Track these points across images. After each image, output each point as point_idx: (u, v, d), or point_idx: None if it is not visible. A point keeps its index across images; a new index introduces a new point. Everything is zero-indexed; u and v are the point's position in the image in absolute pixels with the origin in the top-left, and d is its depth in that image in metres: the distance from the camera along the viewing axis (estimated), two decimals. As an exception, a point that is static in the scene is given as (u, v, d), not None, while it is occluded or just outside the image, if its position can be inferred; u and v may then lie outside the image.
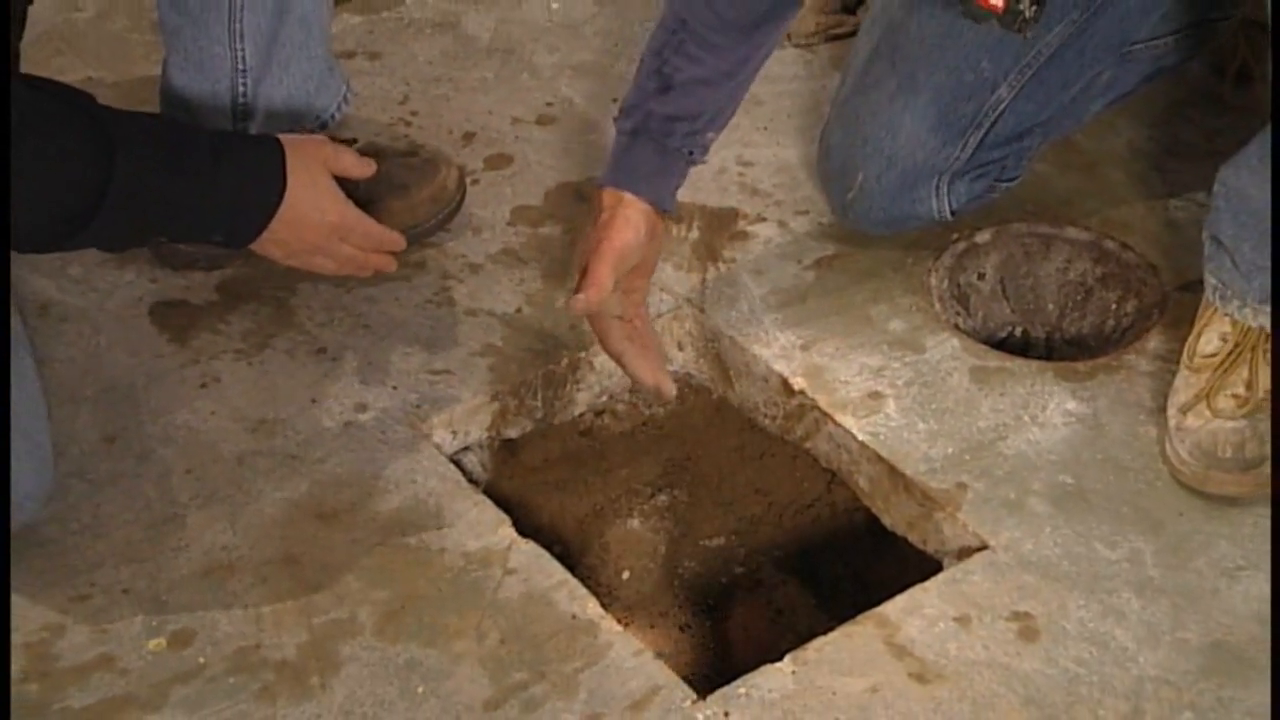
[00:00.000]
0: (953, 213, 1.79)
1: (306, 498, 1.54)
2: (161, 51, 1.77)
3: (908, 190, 1.77)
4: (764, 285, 1.80)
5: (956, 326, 1.77)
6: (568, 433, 1.74)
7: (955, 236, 1.85)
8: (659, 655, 1.43)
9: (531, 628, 1.42)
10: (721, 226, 1.89)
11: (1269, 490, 1.53)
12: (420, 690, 1.37)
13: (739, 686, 1.38)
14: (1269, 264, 1.53)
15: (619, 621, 1.45)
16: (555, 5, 2.32)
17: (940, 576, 1.49)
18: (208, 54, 1.71)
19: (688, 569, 1.69)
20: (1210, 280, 1.61)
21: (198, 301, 1.76)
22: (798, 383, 1.68)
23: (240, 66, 1.71)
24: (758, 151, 2.01)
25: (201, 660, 1.39)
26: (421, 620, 1.43)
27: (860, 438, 1.62)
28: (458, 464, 1.63)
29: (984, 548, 1.51)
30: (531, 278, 1.81)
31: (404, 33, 2.25)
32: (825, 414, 1.65)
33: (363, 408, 1.64)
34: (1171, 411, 1.59)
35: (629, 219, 1.56)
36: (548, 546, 1.52)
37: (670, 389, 1.61)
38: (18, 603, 1.42)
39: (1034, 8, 1.52)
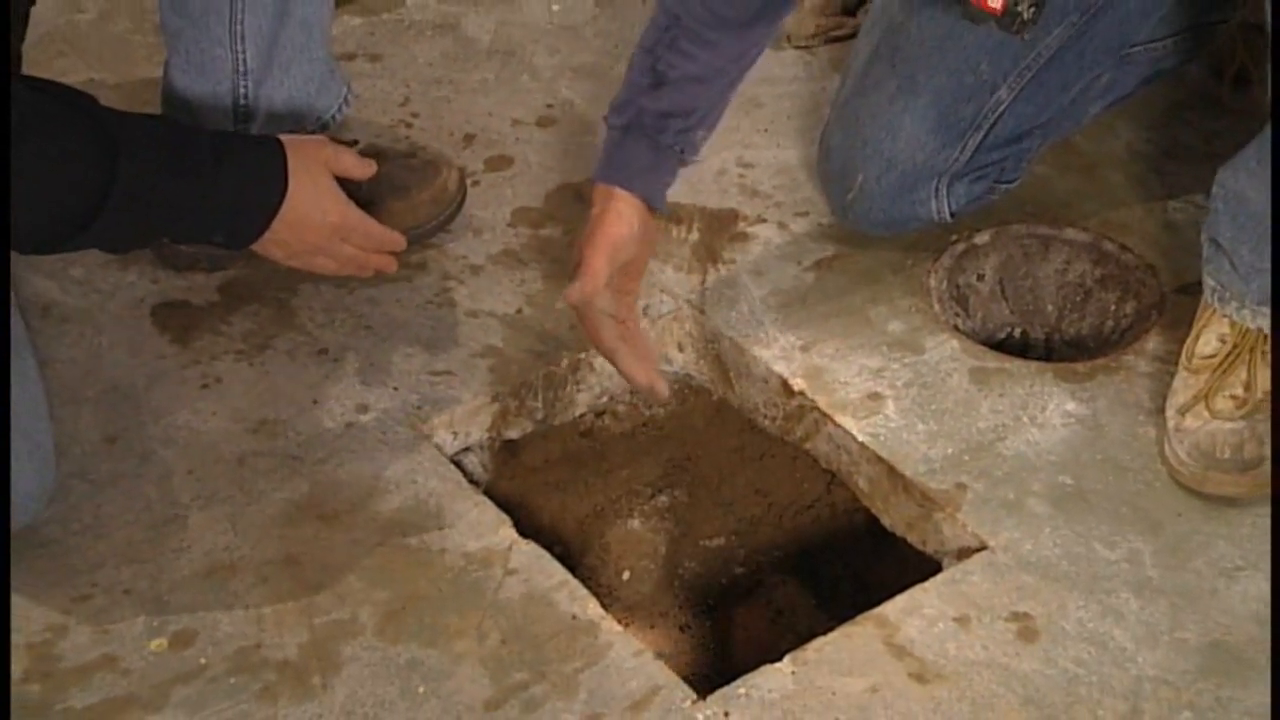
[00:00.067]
0: (952, 214, 1.80)
1: (307, 498, 1.54)
2: (163, 53, 1.77)
3: (907, 192, 1.77)
4: (764, 286, 1.80)
5: (956, 328, 1.77)
6: (568, 433, 1.75)
7: (954, 238, 1.86)
8: (659, 655, 1.43)
9: (532, 628, 1.42)
10: (721, 228, 1.89)
11: (1267, 491, 1.53)
12: (421, 690, 1.37)
13: (739, 686, 1.38)
14: (1267, 266, 1.54)
15: (619, 622, 1.45)
16: (556, 7, 2.32)
17: (940, 577, 1.49)
18: (209, 56, 1.71)
19: (688, 569, 1.69)
20: (1209, 282, 1.61)
21: (199, 302, 1.77)
22: (797, 384, 1.68)
23: (241, 68, 1.71)
24: (758, 153, 2.02)
25: (203, 660, 1.39)
26: (422, 620, 1.43)
27: (860, 438, 1.62)
28: (458, 465, 1.63)
29: (983, 548, 1.51)
30: (532, 279, 1.82)
31: (404, 35, 2.25)
32: (825, 415, 1.65)
33: (364, 408, 1.64)
34: (1170, 412, 1.59)
35: (621, 213, 1.56)
36: (548, 547, 1.52)
37: (664, 389, 1.60)
38: (20, 603, 1.42)
39: (1032, 10, 1.52)
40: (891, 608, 1.45)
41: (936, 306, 1.78)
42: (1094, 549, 1.51)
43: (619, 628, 1.43)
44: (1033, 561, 1.49)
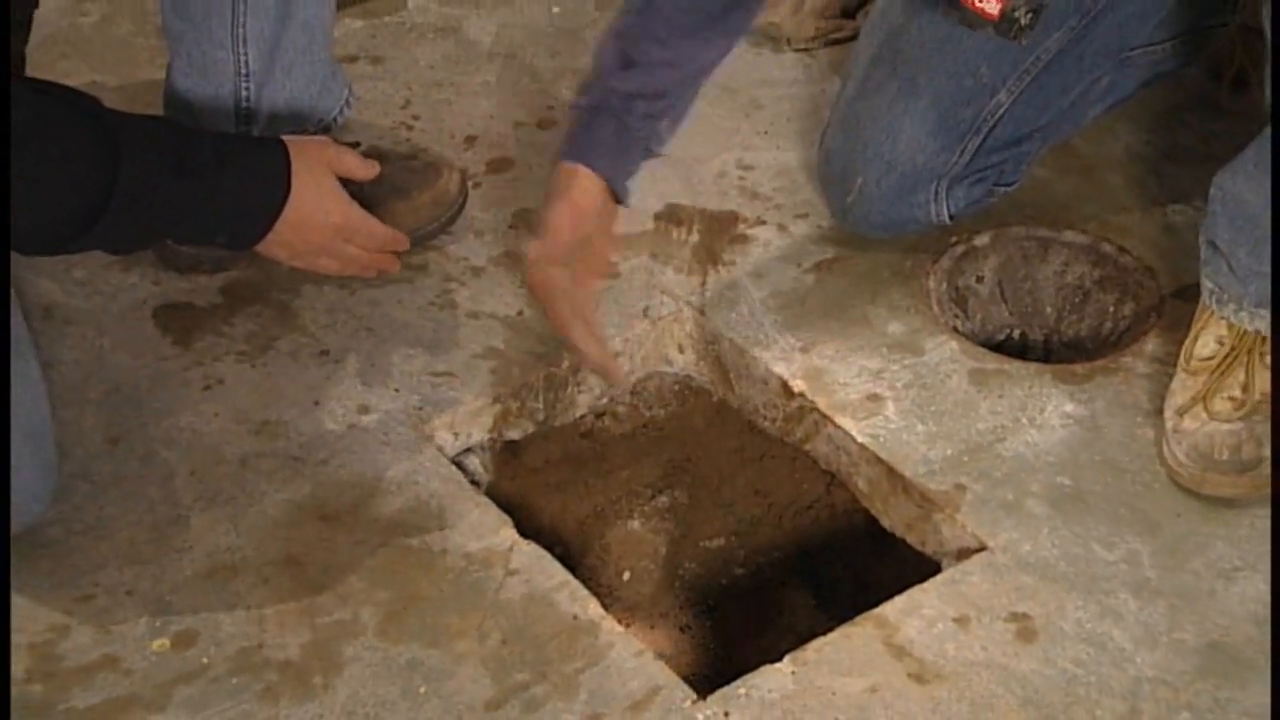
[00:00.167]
0: (951, 217, 1.80)
1: (309, 499, 1.55)
2: (165, 56, 1.77)
3: (907, 194, 1.78)
4: (764, 288, 1.81)
5: (955, 329, 1.78)
6: (569, 434, 1.75)
7: (954, 240, 1.86)
8: (659, 656, 1.43)
9: (533, 628, 1.43)
10: (721, 230, 1.89)
11: (1265, 492, 1.53)
12: (422, 690, 1.38)
13: (739, 687, 1.39)
14: (1265, 268, 1.54)
15: (620, 622, 1.46)
16: (556, 9, 2.32)
17: (939, 577, 1.49)
18: (211, 59, 1.71)
19: (688, 570, 1.69)
20: (1207, 284, 1.61)
21: (201, 304, 1.77)
22: (797, 385, 1.69)
23: (243, 71, 1.72)
24: (758, 155, 2.02)
25: (205, 661, 1.40)
26: (423, 621, 1.43)
27: (859, 439, 1.63)
28: (460, 465, 1.63)
29: (982, 549, 1.51)
30: (533, 281, 1.82)
31: (406, 37, 2.25)
32: (825, 416, 1.66)
33: (365, 410, 1.65)
34: (1168, 414, 1.59)
35: (585, 188, 1.56)
36: (549, 548, 1.53)
37: (619, 373, 1.60)
38: (22, 603, 1.43)
39: (1029, 16, 1.53)
40: (891, 608, 1.45)
41: (936, 308, 1.79)
42: (1093, 550, 1.51)
43: (619, 628, 1.44)
44: (1031, 562, 1.50)
